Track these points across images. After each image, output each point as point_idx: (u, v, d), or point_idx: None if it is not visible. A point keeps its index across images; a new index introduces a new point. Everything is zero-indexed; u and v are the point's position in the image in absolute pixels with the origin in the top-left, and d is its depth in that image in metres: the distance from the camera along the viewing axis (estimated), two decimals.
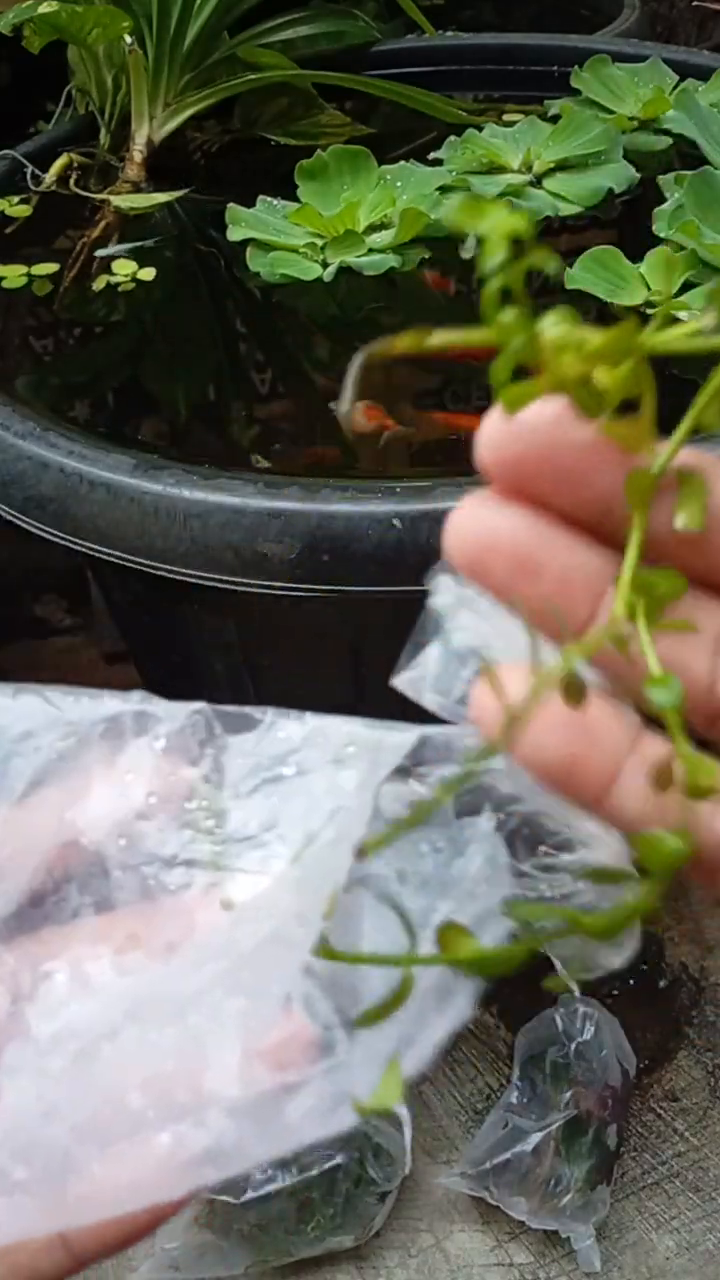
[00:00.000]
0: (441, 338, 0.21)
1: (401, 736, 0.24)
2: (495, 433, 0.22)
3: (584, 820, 0.23)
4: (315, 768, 0.24)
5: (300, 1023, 0.23)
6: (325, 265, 0.85)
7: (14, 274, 0.89)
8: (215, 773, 0.25)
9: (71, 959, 0.24)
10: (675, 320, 0.21)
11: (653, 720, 0.22)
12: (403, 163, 0.93)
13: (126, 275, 0.89)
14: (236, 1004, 0.23)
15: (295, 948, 0.23)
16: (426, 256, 0.87)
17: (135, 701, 0.25)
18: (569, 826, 0.23)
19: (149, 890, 0.24)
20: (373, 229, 0.88)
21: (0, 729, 0.25)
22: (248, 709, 0.25)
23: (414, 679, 0.24)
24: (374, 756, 0.24)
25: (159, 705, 0.25)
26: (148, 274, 0.89)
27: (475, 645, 0.23)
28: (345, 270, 0.85)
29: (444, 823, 0.23)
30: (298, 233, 0.88)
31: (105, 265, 0.90)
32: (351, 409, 0.73)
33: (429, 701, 0.24)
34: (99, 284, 0.88)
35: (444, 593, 0.24)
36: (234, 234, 0.87)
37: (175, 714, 0.25)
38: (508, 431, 0.22)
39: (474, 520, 0.22)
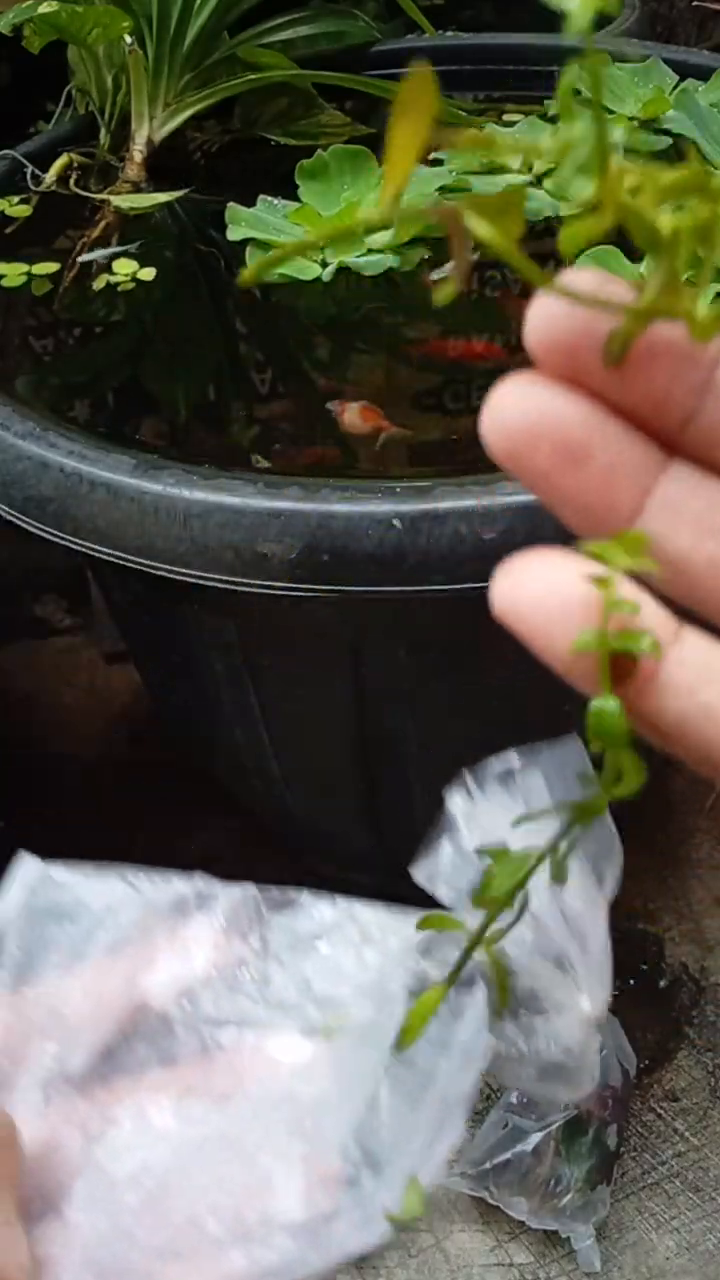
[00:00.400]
0: (505, 140, 0.19)
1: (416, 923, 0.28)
2: (548, 312, 0.20)
3: (558, 993, 0.28)
4: (344, 945, 0.29)
5: (336, 1164, 0.27)
6: (324, 265, 0.85)
7: (14, 272, 0.90)
8: (262, 946, 0.29)
9: (136, 1106, 0.28)
10: None
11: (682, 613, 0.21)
12: None
13: (126, 275, 0.89)
14: (300, 1147, 0.27)
15: (346, 1103, 0.27)
16: (426, 256, 0.87)
17: (198, 883, 0.29)
18: (545, 997, 0.28)
19: (206, 1047, 0.28)
20: (373, 229, 0.88)
21: (86, 903, 0.29)
22: (290, 891, 0.29)
23: (429, 872, 0.29)
24: (393, 939, 0.28)
25: (216, 886, 0.29)
26: (148, 274, 0.89)
27: (482, 845, 0.28)
28: (344, 270, 0.85)
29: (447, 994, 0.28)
30: (298, 232, 0.88)
31: (105, 265, 0.90)
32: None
33: (440, 893, 0.29)
34: (99, 284, 0.88)
35: (459, 799, 0.29)
36: (234, 233, 0.87)
37: (231, 895, 0.29)
38: (561, 312, 0.20)
39: (518, 402, 0.20)
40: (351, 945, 0.29)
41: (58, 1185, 0.27)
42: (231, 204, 0.89)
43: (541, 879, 0.26)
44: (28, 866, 0.29)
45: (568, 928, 0.28)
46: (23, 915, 0.29)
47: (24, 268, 0.90)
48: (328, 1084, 0.28)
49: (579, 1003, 0.29)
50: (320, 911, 0.29)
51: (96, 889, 0.29)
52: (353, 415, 0.73)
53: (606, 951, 0.29)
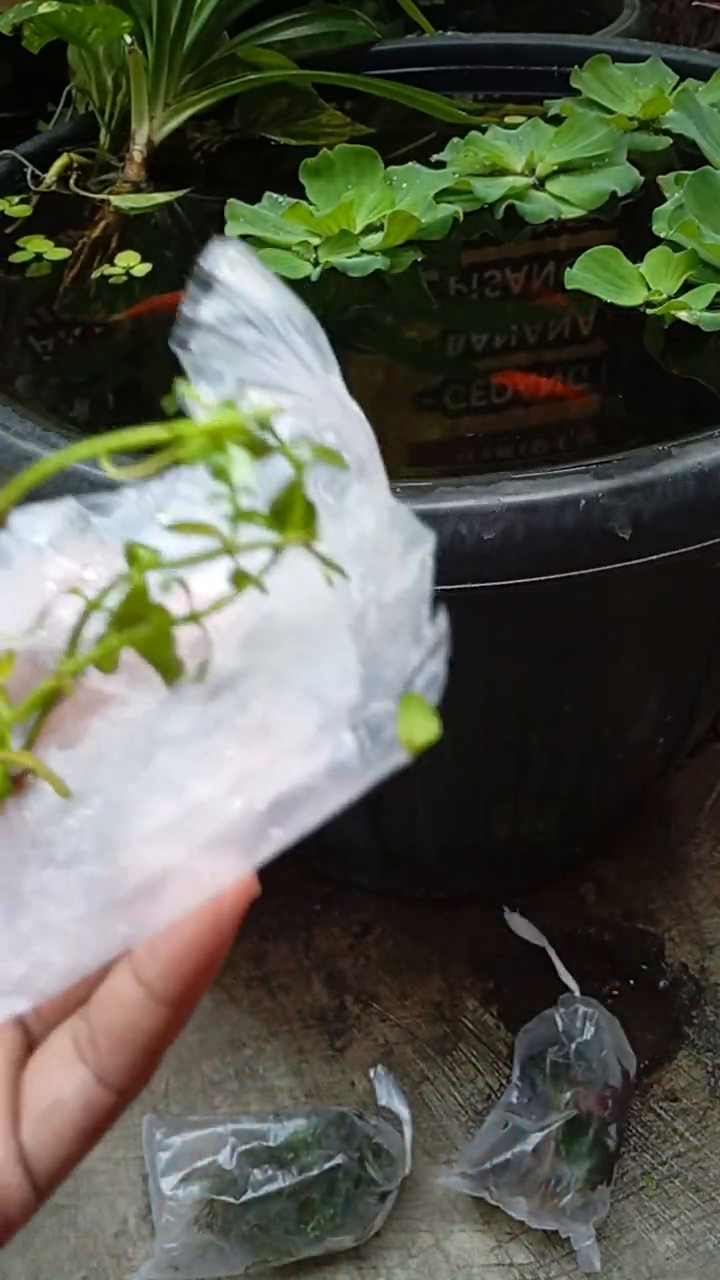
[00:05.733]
0: None
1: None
2: None
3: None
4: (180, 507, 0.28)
5: (352, 691, 0.24)
6: (316, 264, 0.85)
7: (30, 245, 0.92)
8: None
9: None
10: None
11: None
12: (411, 164, 0.93)
13: (122, 270, 0.89)
14: (309, 677, 0.24)
15: (340, 616, 0.25)
16: (420, 259, 0.87)
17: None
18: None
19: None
20: (371, 230, 0.88)
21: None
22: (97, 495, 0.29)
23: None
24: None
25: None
26: (143, 269, 0.89)
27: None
28: (333, 270, 0.85)
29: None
30: (296, 230, 0.88)
31: (110, 259, 0.90)
32: None
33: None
34: (98, 283, 0.88)
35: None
36: (231, 229, 0.87)
37: (49, 514, 0.28)
38: None
39: None
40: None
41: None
42: (231, 200, 0.89)
43: None
44: None
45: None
46: None
47: (48, 243, 0.92)
48: (331, 602, 0.25)
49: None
50: (127, 497, 0.28)
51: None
52: None
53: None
